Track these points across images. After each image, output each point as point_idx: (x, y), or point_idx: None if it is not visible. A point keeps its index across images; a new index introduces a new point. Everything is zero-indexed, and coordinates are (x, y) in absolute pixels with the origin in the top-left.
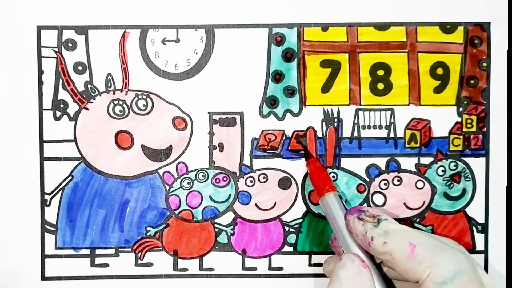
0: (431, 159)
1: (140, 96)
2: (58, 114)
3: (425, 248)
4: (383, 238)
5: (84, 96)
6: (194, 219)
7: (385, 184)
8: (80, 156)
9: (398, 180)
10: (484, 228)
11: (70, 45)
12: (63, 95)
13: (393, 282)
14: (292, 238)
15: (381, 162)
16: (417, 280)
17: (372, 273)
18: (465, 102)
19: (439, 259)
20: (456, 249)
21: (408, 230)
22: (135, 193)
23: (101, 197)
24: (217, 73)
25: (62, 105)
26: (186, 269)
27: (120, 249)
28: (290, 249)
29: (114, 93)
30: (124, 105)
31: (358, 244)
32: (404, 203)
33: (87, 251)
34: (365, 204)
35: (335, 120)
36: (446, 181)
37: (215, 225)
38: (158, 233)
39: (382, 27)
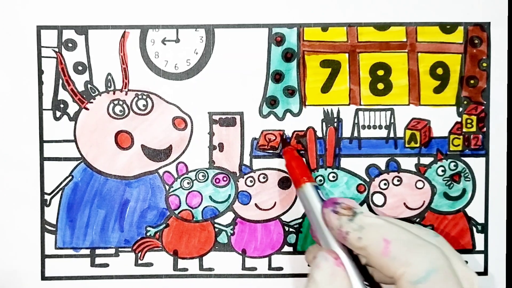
0: (431, 159)
1: (140, 96)
2: (58, 114)
3: (399, 244)
4: (358, 233)
5: (84, 96)
6: (194, 219)
7: (385, 184)
8: (80, 156)
9: (398, 180)
10: (484, 228)
11: (70, 45)
12: (63, 95)
13: (371, 271)
14: (292, 238)
15: (381, 162)
16: (392, 276)
17: (350, 267)
18: (465, 102)
19: (413, 256)
20: (431, 245)
21: (383, 225)
22: (135, 193)
23: (101, 197)
24: (217, 73)
25: (62, 105)
26: (186, 269)
27: (120, 249)
28: (290, 249)
29: (114, 93)
30: (124, 105)
31: (335, 237)
32: (404, 203)
33: (87, 251)
34: (365, 205)
35: (335, 120)
36: (446, 181)
37: (215, 225)
38: (158, 233)
39: (382, 27)
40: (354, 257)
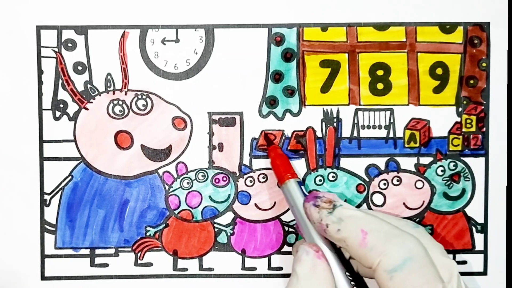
0: (431, 159)
1: (139, 96)
2: (57, 114)
3: (376, 235)
4: (337, 225)
5: (84, 96)
6: (194, 219)
7: (384, 184)
8: (79, 156)
9: (397, 180)
10: (483, 228)
11: (69, 45)
12: (63, 95)
13: (356, 269)
14: (291, 238)
15: (381, 162)
16: (370, 267)
17: (333, 260)
18: (465, 102)
19: (389, 246)
20: (408, 235)
21: (361, 217)
22: (135, 193)
23: (100, 197)
24: (216, 73)
25: (61, 105)
26: (185, 269)
27: (119, 249)
28: (290, 249)
29: (113, 93)
30: (124, 105)
31: (316, 231)
32: (404, 203)
33: (87, 251)
34: (365, 205)
35: (335, 120)
36: (445, 181)
37: (215, 225)
38: (158, 233)
39: (381, 27)
40: (337, 251)
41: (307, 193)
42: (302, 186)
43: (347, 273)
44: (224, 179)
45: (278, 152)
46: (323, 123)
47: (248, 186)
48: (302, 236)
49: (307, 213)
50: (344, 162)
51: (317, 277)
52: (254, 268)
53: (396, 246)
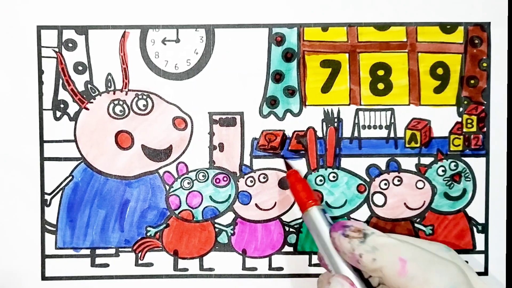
0: (431, 159)
1: (140, 96)
2: (58, 114)
3: (416, 263)
4: (372, 254)
5: (84, 96)
6: (194, 219)
7: (385, 184)
8: (80, 156)
9: (398, 180)
10: (484, 228)
11: (70, 45)
12: (63, 95)
13: None
14: (292, 238)
15: (381, 162)
16: None
17: None
18: (465, 102)
19: (432, 275)
20: (448, 262)
21: (396, 244)
22: (135, 193)
23: (101, 197)
24: (217, 73)
25: (62, 105)
26: (186, 269)
27: (120, 249)
28: (290, 249)
29: (114, 93)
30: (124, 105)
31: (345, 262)
32: (405, 203)
33: (87, 251)
34: (365, 205)
35: (335, 120)
36: (446, 181)
37: (215, 225)
38: (158, 233)
39: (382, 27)
40: (365, 281)
41: (331, 222)
42: (326, 214)
43: None
44: (225, 179)
45: (298, 177)
46: (324, 123)
47: (248, 186)
48: (325, 266)
49: (336, 243)
50: (345, 162)
51: None
52: (255, 268)
53: (438, 275)
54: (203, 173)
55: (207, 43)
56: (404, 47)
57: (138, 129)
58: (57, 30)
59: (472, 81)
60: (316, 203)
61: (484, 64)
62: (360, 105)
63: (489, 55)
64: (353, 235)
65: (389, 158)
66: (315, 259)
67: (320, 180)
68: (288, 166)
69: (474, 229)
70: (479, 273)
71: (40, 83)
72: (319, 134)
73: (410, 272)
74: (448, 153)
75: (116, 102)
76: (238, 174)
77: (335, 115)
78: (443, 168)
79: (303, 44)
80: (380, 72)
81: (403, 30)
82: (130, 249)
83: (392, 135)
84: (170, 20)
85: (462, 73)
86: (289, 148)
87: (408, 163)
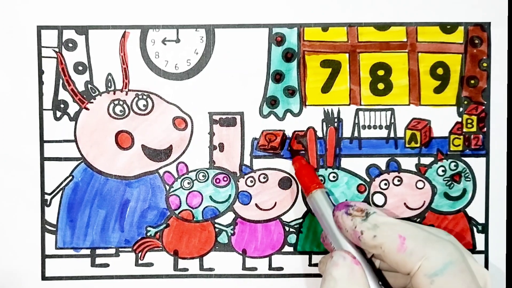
0: (431, 159)
1: (140, 96)
2: (58, 114)
3: (415, 240)
4: (373, 231)
5: (84, 96)
6: (195, 219)
7: (385, 184)
8: (80, 156)
9: (398, 180)
10: (484, 228)
11: (70, 45)
12: (63, 95)
13: (384, 275)
14: (292, 238)
15: (381, 162)
16: (408, 272)
17: (364, 269)
18: (465, 102)
19: (429, 250)
20: (446, 240)
21: (397, 223)
22: (135, 193)
23: (101, 197)
24: (217, 73)
25: (62, 105)
26: (186, 269)
27: (120, 249)
28: (291, 249)
29: (114, 93)
30: (124, 105)
31: (348, 240)
32: (405, 203)
33: (88, 251)
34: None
35: (335, 120)
36: (446, 181)
37: (216, 225)
38: (159, 233)
39: (382, 27)
40: (368, 260)
41: (334, 203)
42: (330, 196)
43: (380, 283)
44: (225, 179)
45: (302, 163)
46: (324, 123)
47: (248, 186)
48: (327, 246)
49: (339, 221)
50: (345, 162)
51: (355, 281)
52: (255, 268)
53: (436, 251)
54: (203, 173)
55: (207, 43)
56: (404, 47)
57: (138, 129)
58: (57, 30)
59: (472, 81)
60: (320, 186)
61: (484, 64)
62: (360, 105)
63: (489, 55)
64: (356, 214)
65: (389, 158)
66: (315, 259)
67: (320, 180)
68: (294, 152)
69: (474, 229)
70: None
71: (40, 83)
72: (319, 134)
73: (409, 248)
74: (448, 153)
75: (116, 102)
76: (238, 174)
77: (335, 115)
78: (443, 168)
79: (303, 44)
80: (380, 72)
81: (403, 30)
82: (130, 249)
83: (392, 135)
84: (170, 20)
85: (462, 73)
86: (289, 148)
87: (408, 163)
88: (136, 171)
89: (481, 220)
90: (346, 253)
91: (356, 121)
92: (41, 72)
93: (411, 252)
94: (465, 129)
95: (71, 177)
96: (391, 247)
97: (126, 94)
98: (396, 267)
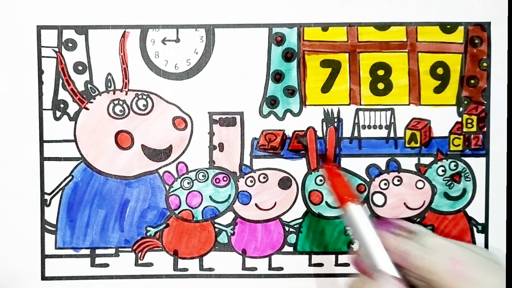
0: (431, 159)
1: (140, 96)
2: (58, 114)
3: (468, 264)
4: (422, 252)
5: (84, 96)
6: (194, 219)
7: (385, 184)
8: (80, 156)
9: (398, 180)
10: (484, 228)
11: (70, 45)
12: (63, 95)
13: None
14: (292, 238)
15: (381, 162)
16: None
17: None
18: (465, 102)
19: (483, 275)
20: (496, 264)
21: (447, 245)
22: (135, 193)
23: (101, 197)
24: (217, 73)
25: (62, 105)
26: (186, 269)
27: (120, 249)
28: (290, 249)
29: (114, 93)
30: (124, 105)
31: (391, 261)
32: (404, 203)
33: (87, 251)
34: (365, 204)
35: (335, 120)
36: (446, 181)
37: (215, 225)
38: (158, 233)
39: (382, 27)
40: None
41: (369, 220)
42: (366, 211)
43: None
44: (225, 179)
45: (334, 171)
46: (324, 123)
47: (248, 186)
48: (360, 269)
49: (384, 240)
50: (345, 162)
51: None
52: (255, 268)
53: (489, 276)
54: (203, 173)
55: (207, 43)
56: (404, 47)
57: (138, 129)
58: (57, 30)
59: (472, 81)
60: (355, 199)
61: (484, 64)
62: (360, 105)
63: (489, 55)
64: (402, 233)
65: (389, 158)
66: (315, 259)
67: (320, 180)
68: (324, 158)
69: (474, 229)
70: None
71: (40, 83)
72: (319, 134)
73: (462, 272)
74: (448, 153)
75: (116, 102)
76: (238, 174)
77: (335, 115)
78: (443, 168)
79: (303, 44)
80: (380, 72)
81: (403, 30)
82: (130, 249)
83: (392, 135)
84: (170, 20)
85: (462, 73)
86: (289, 148)
87: (408, 163)
88: (136, 171)
89: (481, 220)
90: (393, 278)
91: (356, 121)
92: (41, 72)
93: (466, 277)
94: (465, 129)
95: (71, 177)
96: (442, 269)
97: (126, 94)
98: None
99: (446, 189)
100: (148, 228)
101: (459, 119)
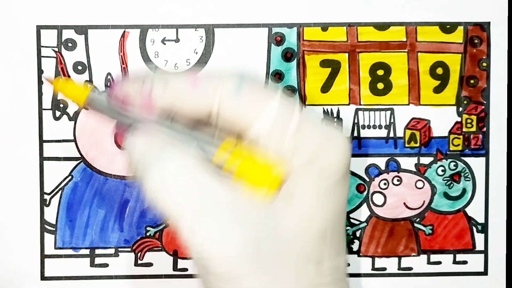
0: (431, 159)
1: None
2: (57, 113)
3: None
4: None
5: None
6: None
7: (384, 184)
8: (79, 156)
9: (398, 180)
10: (484, 228)
11: (69, 44)
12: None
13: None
14: None
15: (381, 162)
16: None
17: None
18: (465, 102)
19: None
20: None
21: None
22: (135, 193)
23: (100, 197)
24: None
25: (61, 105)
26: (186, 269)
27: (119, 249)
28: None
29: None
30: None
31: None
32: (404, 203)
33: (87, 251)
34: (365, 205)
35: (335, 120)
36: (446, 181)
37: None
38: (158, 233)
39: (382, 27)
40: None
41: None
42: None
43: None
44: None
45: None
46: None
47: None
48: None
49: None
50: None
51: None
52: None
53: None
54: None
55: (206, 42)
56: (403, 47)
57: None
58: (56, 30)
59: (472, 81)
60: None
61: (484, 64)
62: (360, 105)
63: (489, 55)
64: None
65: (388, 158)
66: None
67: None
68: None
69: (474, 229)
70: (479, 273)
71: (40, 82)
72: None
73: (201, 82)
74: (448, 153)
75: None
76: None
77: (335, 115)
78: (442, 168)
79: (303, 44)
80: (380, 72)
81: (402, 30)
82: (129, 249)
83: (391, 135)
84: (170, 19)
85: (461, 73)
86: None
87: (408, 163)
88: None
89: (481, 220)
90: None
91: (356, 121)
92: (40, 71)
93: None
94: (464, 129)
95: (70, 177)
96: (185, 88)
97: None
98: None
99: (446, 189)
100: (148, 228)
101: (459, 119)
